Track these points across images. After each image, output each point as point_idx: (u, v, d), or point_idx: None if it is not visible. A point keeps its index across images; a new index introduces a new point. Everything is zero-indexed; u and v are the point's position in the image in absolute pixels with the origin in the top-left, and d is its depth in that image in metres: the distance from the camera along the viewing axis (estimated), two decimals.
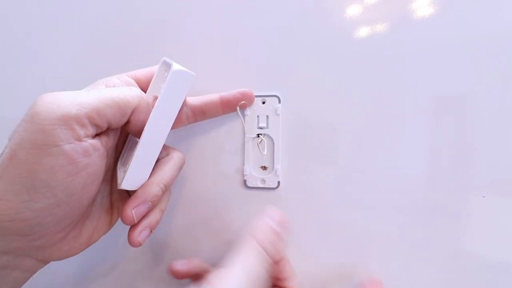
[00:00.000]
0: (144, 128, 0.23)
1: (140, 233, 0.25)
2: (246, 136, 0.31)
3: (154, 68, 0.26)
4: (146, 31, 0.32)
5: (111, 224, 0.27)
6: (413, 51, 0.27)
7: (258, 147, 0.31)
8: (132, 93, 0.23)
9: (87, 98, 0.20)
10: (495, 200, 0.26)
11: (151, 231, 0.25)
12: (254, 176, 0.31)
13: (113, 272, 0.34)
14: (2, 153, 0.20)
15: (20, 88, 0.35)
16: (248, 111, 0.31)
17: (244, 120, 0.31)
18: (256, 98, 0.30)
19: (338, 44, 0.29)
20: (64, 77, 0.34)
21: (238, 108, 0.30)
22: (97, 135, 0.22)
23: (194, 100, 0.29)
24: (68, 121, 0.19)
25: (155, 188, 0.25)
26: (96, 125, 0.21)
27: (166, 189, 0.26)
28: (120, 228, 0.26)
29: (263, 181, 0.31)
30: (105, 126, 0.22)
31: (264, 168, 0.31)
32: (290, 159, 0.30)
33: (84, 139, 0.20)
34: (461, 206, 0.27)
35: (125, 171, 0.24)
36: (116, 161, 0.26)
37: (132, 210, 0.24)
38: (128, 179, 0.24)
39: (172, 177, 0.26)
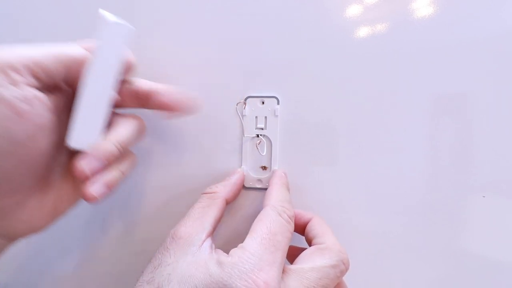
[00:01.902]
0: (83, 80, 0.22)
1: (94, 186, 0.23)
2: (245, 135, 0.30)
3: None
4: (145, 31, 0.31)
5: (76, 196, 0.25)
6: (413, 51, 0.27)
7: (257, 148, 0.30)
8: (75, 48, 0.23)
9: (27, 50, 0.21)
10: (495, 200, 0.26)
11: (109, 189, 0.24)
12: (251, 176, 0.31)
13: (114, 275, 0.33)
14: None
15: None
16: (246, 111, 0.30)
17: (242, 119, 0.30)
18: (255, 99, 0.30)
19: (338, 44, 0.29)
20: None
21: (236, 107, 0.30)
22: (48, 91, 0.22)
23: (143, 83, 0.26)
24: (2, 67, 0.20)
25: (108, 144, 0.24)
26: (36, 76, 0.21)
27: (124, 149, 0.25)
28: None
29: (260, 181, 0.31)
30: (46, 79, 0.21)
31: (264, 168, 0.31)
32: (289, 160, 0.30)
33: (23, 86, 0.20)
34: (461, 206, 0.27)
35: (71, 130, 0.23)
36: None
37: (83, 163, 0.22)
38: (74, 136, 0.23)
39: (129, 138, 0.25)
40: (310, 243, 0.26)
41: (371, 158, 0.28)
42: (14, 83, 0.20)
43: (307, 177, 0.30)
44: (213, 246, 0.23)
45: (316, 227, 0.26)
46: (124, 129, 0.25)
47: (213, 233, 0.25)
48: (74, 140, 0.23)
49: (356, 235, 0.29)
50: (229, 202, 0.28)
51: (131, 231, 0.33)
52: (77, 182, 0.25)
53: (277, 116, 0.30)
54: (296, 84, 0.30)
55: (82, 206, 0.31)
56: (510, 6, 0.26)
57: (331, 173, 0.29)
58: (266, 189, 0.29)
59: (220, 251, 0.23)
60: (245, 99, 0.30)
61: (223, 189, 0.27)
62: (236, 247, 0.22)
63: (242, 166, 0.31)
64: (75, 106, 0.23)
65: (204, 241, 0.23)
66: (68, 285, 0.34)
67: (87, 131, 0.23)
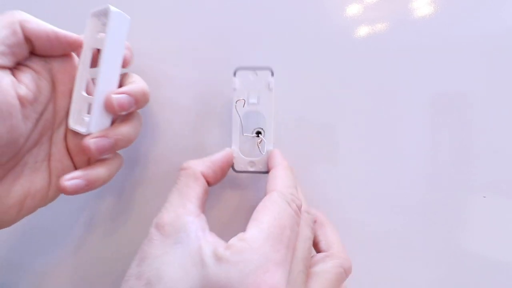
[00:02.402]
0: (98, 70, 0.24)
1: (72, 180, 0.23)
2: (244, 134, 0.30)
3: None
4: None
5: (48, 194, 0.25)
6: (413, 50, 0.28)
7: (258, 147, 0.30)
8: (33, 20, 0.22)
9: None
10: (495, 200, 0.26)
11: (87, 186, 0.24)
12: (242, 158, 0.28)
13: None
14: None
15: None
16: (237, 85, 0.27)
17: (240, 117, 0.29)
18: (248, 71, 0.27)
19: (338, 43, 0.29)
20: None
21: (235, 106, 0.29)
22: (17, 70, 0.22)
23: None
24: None
25: (111, 133, 0.24)
26: None
27: (122, 144, 0.25)
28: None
29: (252, 163, 0.28)
30: (8, 53, 0.21)
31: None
32: (288, 159, 0.30)
33: None
34: (461, 206, 0.27)
35: (88, 117, 0.24)
36: (55, 127, 0.25)
37: (92, 141, 0.23)
38: (93, 123, 0.24)
39: (129, 133, 0.26)
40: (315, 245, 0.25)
41: (371, 158, 0.28)
42: None
43: (307, 176, 0.29)
44: (206, 228, 0.21)
45: (323, 231, 0.25)
46: (126, 124, 0.26)
47: (201, 214, 0.22)
48: (93, 127, 0.24)
49: (356, 235, 0.29)
50: (212, 183, 0.25)
51: (122, 228, 0.32)
52: (53, 182, 0.25)
53: (271, 89, 0.27)
54: (296, 83, 0.29)
55: (72, 203, 0.31)
56: (510, 5, 0.26)
57: (331, 172, 0.29)
58: (259, 173, 0.28)
59: (216, 239, 0.20)
60: (235, 71, 0.27)
61: (199, 163, 0.24)
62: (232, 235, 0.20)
63: (232, 147, 0.27)
64: (74, 93, 0.24)
65: (191, 223, 0.20)
66: (60, 283, 0.33)
67: (102, 122, 0.24)
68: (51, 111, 0.25)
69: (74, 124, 0.25)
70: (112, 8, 0.23)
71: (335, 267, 0.22)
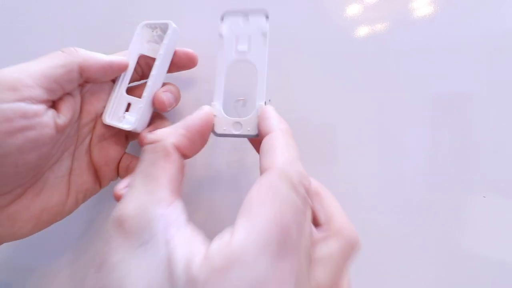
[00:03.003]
0: (151, 74, 0.26)
1: (125, 188, 0.22)
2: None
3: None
4: None
5: (65, 208, 0.25)
6: (413, 50, 0.27)
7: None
8: (81, 53, 0.23)
9: (36, 64, 0.21)
10: (495, 200, 0.26)
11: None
12: (226, 118, 0.22)
13: None
14: None
15: None
16: (224, 30, 0.23)
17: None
18: (238, 16, 0.23)
19: (338, 43, 0.29)
20: None
21: (235, 104, 0.29)
22: (51, 106, 0.22)
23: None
24: (14, 84, 0.19)
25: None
26: (47, 89, 0.21)
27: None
28: None
29: (238, 125, 0.22)
30: (58, 89, 0.22)
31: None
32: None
33: (26, 101, 0.20)
34: (461, 206, 0.27)
35: (129, 115, 0.26)
36: (78, 143, 0.26)
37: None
38: (140, 120, 0.26)
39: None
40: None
41: (371, 158, 0.28)
42: (20, 99, 0.20)
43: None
44: (181, 220, 0.16)
45: (319, 200, 0.20)
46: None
47: (175, 201, 0.17)
48: (139, 124, 0.26)
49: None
50: (189, 155, 0.19)
51: None
52: (71, 196, 0.25)
53: (265, 35, 0.23)
54: (296, 83, 0.29)
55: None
56: (510, 5, 0.26)
57: (331, 172, 0.29)
58: (247, 137, 0.22)
59: (194, 239, 0.15)
60: (223, 15, 0.24)
61: (169, 133, 0.19)
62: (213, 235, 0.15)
63: (213, 102, 0.22)
64: (140, 98, 0.26)
65: (159, 218, 0.15)
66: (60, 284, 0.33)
67: (144, 115, 0.26)
68: (75, 129, 0.25)
69: (110, 119, 0.26)
70: (173, 24, 0.26)
71: (341, 249, 0.17)
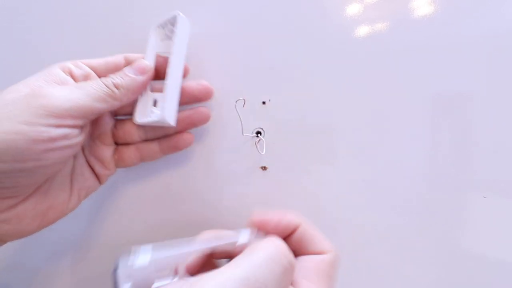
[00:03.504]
0: (168, 73, 0.26)
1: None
2: (243, 135, 0.30)
3: (110, 59, 0.27)
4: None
5: (68, 206, 0.26)
6: (413, 50, 0.27)
7: (256, 146, 0.30)
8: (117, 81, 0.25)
9: (69, 93, 0.22)
10: (495, 200, 0.26)
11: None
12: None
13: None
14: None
15: None
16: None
17: (240, 118, 0.29)
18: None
19: (338, 43, 0.29)
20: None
21: (235, 104, 0.29)
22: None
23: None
24: (61, 113, 0.21)
25: None
26: (75, 118, 0.22)
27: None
28: None
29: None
30: (88, 117, 0.24)
31: (264, 168, 0.30)
32: (287, 159, 0.30)
33: (70, 127, 0.22)
34: (461, 206, 0.27)
35: (157, 109, 0.27)
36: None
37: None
38: (166, 111, 0.26)
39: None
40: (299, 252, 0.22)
41: (371, 159, 0.28)
42: (65, 125, 0.22)
43: (306, 176, 0.29)
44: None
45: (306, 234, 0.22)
46: None
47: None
48: (158, 114, 0.26)
49: (356, 235, 0.29)
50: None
51: (123, 228, 0.32)
52: (73, 194, 0.26)
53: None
54: (295, 83, 0.29)
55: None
56: (510, 5, 0.26)
57: (331, 172, 0.29)
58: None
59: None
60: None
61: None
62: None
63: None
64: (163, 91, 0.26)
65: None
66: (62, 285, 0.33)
67: (171, 108, 0.26)
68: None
69: (140, 118, 0.27)
70: (180, 13, 0.27)
71: (334, 260, 0.21)
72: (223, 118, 0.30)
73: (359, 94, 0.28)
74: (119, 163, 0.28)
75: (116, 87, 0.25)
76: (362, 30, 0.28)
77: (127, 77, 0.25)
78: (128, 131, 0.28)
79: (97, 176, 0.28)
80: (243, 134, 0.30)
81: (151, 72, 0.27)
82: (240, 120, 0.30)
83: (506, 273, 0.27)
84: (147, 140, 0.29)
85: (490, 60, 0.26)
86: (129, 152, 0.28)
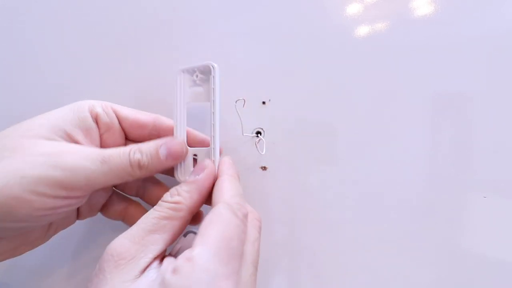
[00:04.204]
0: (215, 121, 0.25)
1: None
2: (244, 135, 0.30)
3: (141, 116, 0.26)
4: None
5: (44, 240, 0.26)
6: (413, 50, 0.27)
7: (256, 147, 0.30)
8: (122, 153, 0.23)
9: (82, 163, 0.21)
10: (495, 200, 0.26)
11: None
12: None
13: None
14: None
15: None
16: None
17: (240, 117, 0.29)
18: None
19: (338, 43, 0.29)
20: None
21: (235, 104, 0.29)
22: None
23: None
24: (56, 185, 0.20)
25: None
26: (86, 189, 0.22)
27: None
28: None
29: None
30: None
31: (264, 168, 0.30)
32: (287, 159, 0.30)
33: (74, 199, 0.22)
34: (461, 206, 0.27)
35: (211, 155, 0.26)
36: None
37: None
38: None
39: None
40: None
41: (371, 158, 0.28)
42: (55, 197, 0.21)
43: (306, 176, 0.29)
44: (163, 264, 0.20)
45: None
46: None
47: (164, 254, 0.21)
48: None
49: (356, 235, 0.29)
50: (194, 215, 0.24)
51: (123, 228, 0.32)
52: (51, 229, 0.26)
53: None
54: (295, 83, 0.29)
55: None
56: (510, 5, 0.26)
57: (330, 173, 0.29)
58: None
59: (167, 263, 0.19)
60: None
61: (189, 198, 0.22)
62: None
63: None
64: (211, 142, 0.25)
65: (150, 264, 0.20)
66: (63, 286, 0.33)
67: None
68: None
69: (183, 176, 0.26)
70: (214, 64, 0.25)
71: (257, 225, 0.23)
72: (223, 118, 0.30)
73: (359, 94, 0.28)
74: (107, 214, 0.28)
75: (140, 167, 0.23)
76: (362, 30, 0.28)
77: (156, 160, 0.23)
78: (129, 184, 0.28)
79: (79, 215, 0.27)
80: (243, 134, 0.30)
81: (183, 158, 0.25)
82: (240, 120, 0.30)
83: (506, 273, 0.27)
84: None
85: (490, 60, 0.26)
86: (121, 206, 0.28)
